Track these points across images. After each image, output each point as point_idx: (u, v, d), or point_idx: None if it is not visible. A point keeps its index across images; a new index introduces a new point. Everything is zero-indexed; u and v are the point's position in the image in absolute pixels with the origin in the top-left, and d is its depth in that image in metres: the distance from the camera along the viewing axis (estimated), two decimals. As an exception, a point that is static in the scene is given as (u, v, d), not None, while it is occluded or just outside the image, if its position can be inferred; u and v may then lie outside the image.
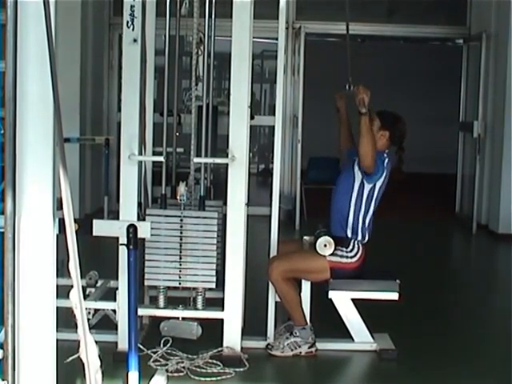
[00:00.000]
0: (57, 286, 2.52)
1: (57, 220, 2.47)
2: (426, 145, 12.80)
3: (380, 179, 4.32)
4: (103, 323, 4.45)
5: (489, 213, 8.49)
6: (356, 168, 4.33)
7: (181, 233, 4.20)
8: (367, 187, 4.33)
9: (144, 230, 3.44)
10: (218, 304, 4.28)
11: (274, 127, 4.43)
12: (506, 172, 8.09)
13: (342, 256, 4.34)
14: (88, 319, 4.15)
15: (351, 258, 4.35)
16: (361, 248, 4.38)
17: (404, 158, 4.48)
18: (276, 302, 4.42)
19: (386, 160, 4.34)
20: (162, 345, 4.24)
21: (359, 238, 4.37)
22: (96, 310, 4.44)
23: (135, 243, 3.38)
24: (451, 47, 10.28)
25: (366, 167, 4.20)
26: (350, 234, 4.37)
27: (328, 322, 4.52)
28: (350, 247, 4.35)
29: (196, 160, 4.37)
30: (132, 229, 3.37)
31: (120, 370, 3.64)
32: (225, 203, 4.31)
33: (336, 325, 4.46)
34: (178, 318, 4.27)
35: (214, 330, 4.23)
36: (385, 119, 4.40)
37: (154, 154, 4.71)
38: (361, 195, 4.34)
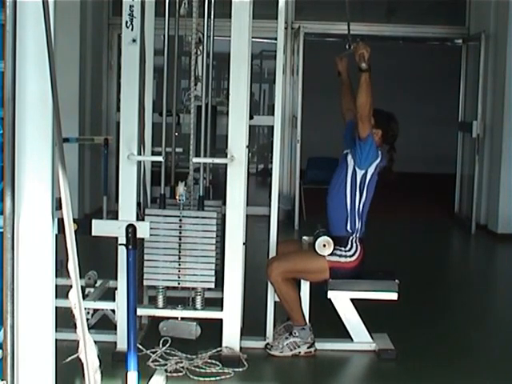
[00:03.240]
0: (56, 285, 2.52)
1: (56, 220, 2.47)
2: (424, 145, 12.81)
3: (372, 165, 4.32)
4: (102, 323, 4.46)
5: (488, 213, 8.49)
6: (349, 157, 4.34)
7: (180, 233, 4.20)
8: (359, 174, 4.33)
9: (143, 230, 3.44)
10: (217, 304, 4.28)
11: (273, 127, 4.43)
12: (505, 172, 8.09)
13: (340, 255, 4.34)
14: (87, 319, 4.15)
15: (350, 257, 4.35)
16: (359, 247, 4.38)
17: (396, 157, 4.48)
18: (275, 302, 4.42)
19: (380, 154, 4.36)
20: (161, 345, 4.24)
21: (358, 231, 4.37)
22: (95, 310, 4.45)
23: (134, 243, 3.38)
24: (450, 47, 10.28)
25: (363, 120, 4.18)
26: (348, 228, 4.36)
27: (327, 322, 4.52)
28: (349, 246, 4.36)
29: (195, 160, 4.37)
30: (131, 229, 3.37)
31: (119, 369, 3.65)
32: (224, 203, 4.31)
33: (335, 325, 4.46)
34: (177, 318, 4.27)
35: (213, 330, 4.23)
36: (379, 118, 4.40)
37: (153, 153, 4.71)
38: (354, 183, 4.35)
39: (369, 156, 4.29)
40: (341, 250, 4.35)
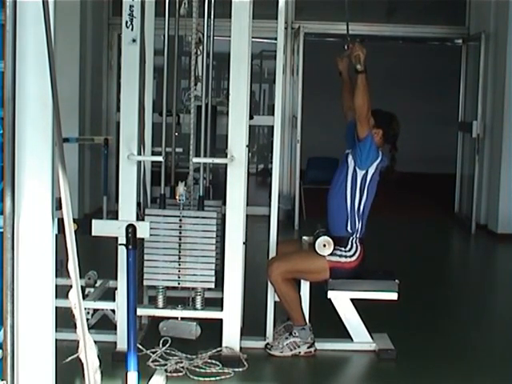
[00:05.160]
0: (56, 285, 2.52)
1: (56, 220, 2.47)
2: (425, 145, 12.81)
3: (372, 165, 4.32)
4: (102, 323, 4.46)
5: (488, 213, 8.49)
6: (350, 158, 4.35)
7: (180, 233, 4.20)
8: (360, 174, 4.33)
9: (143, 230, 3.44)
10: (217, 304, 4.28)
11: (273, 127, 4.43)
12: (505, 172, 8.09)
13: (340, 255, 4.34)
14: (87, 319, 4.15)
15: (350, 257, 4.35)
16: (359, 247, 4.38)
17: (397, 157, 4.48)
18: (275, 302, 4.42)
19: (381, 154, 4.35)
20: (161, 345, 4.24)
21: (358, 231, 4.37)
22: (95, 310, 4.45)
23: (134, 243, 3.38)
24: (450, 47, 10.28)
25: (361, 121, 4.20)
26: (349, 228, 4.36)
27: (327, 322, 4.52)
28: (349, 246, 4.36)
29: (195, 160, 4.37)
30: (131, 229, 3.37)
31: (119, 369, 3.65)
32: (224, 203, 4.31)
33: (335, 325, 4.46)
34: (177, 318, 4.27)
35: (213, 330, 4.23)
36: (379, 118, 4.40)
37: (153, 153, 4.71)
38: (355, 183, 4.34)
39: (369, 156, 4.29)
40: (341, 250, 4.35)
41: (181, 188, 4.19)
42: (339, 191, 4.40)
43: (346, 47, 4.43)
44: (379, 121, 4.38)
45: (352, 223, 4.37)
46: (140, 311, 4.14)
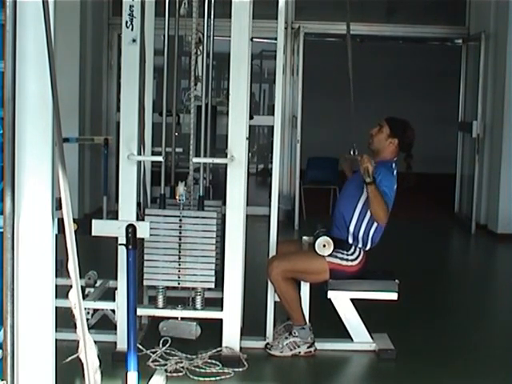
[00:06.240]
0: (56, 285, 2.52)
1: (56, 220, 2.47)
2: (424, 145, 12.78)
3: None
4: (102, 323, 4.46)
5: (488, 213, 8.49)
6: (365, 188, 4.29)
7: (180, 233, 4.20)
8: None
9: (143, 230, 3.44)
10: (217, 304, 4.28)
11: (273, 127, 4.43)
12: (505, 172, 8.09)
13: (342, 258, 4.33)
14: (87, 319, 4.15)
15: (352, 261, 4.34)
16: (362, 253, 4.37)
17: (412, 164, 4.47)
18: (275, 302, 4.42)
19: (395, 171, 4.35)
20: (161, 345, 4.24)
21: (360, 245, 4.37)
22: (95, 310, 4.45)
23: (134, 243, 3.38)
24: (450, 47, 10.29)
25: (382, 222, 4.24)
26: (350, 241, 4.36)
27: (327, 322, 4.52)
28: (351, 251, 4.35)
29: (195, 160, 4.37)
30: (131, 229, 3.37)
31: (119, 369, 3.65)
32: (224, 203, 4.31)
33: (335, 325, 4.46)
34: (177, 318, 4.27)
35: (213, 330, 4.23)
36: (394, 127, 4.39)
37: (153, 153, 4.71)
38: (366, 209, 4.31)
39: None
40: (342, 253, 4.33)
41: (181, 188, 4.19)
42: (349, 205, 4.37)
43: (351, 152, 4.43)
44: (394, 130, 4.38)
45: (354, 237, 4.34)
46: (140, 311, 4.14)
